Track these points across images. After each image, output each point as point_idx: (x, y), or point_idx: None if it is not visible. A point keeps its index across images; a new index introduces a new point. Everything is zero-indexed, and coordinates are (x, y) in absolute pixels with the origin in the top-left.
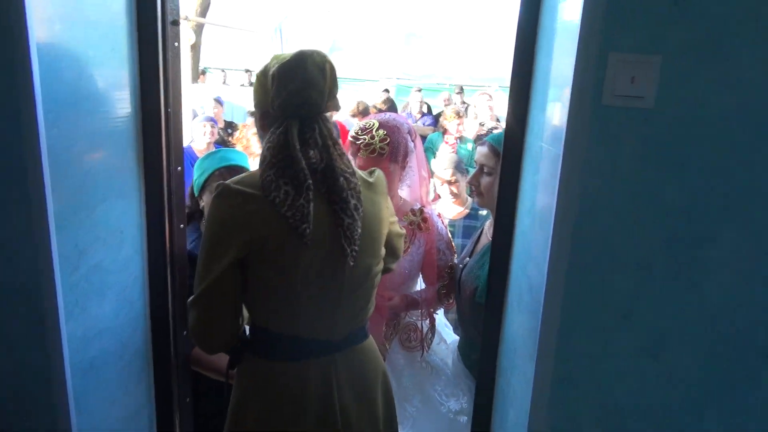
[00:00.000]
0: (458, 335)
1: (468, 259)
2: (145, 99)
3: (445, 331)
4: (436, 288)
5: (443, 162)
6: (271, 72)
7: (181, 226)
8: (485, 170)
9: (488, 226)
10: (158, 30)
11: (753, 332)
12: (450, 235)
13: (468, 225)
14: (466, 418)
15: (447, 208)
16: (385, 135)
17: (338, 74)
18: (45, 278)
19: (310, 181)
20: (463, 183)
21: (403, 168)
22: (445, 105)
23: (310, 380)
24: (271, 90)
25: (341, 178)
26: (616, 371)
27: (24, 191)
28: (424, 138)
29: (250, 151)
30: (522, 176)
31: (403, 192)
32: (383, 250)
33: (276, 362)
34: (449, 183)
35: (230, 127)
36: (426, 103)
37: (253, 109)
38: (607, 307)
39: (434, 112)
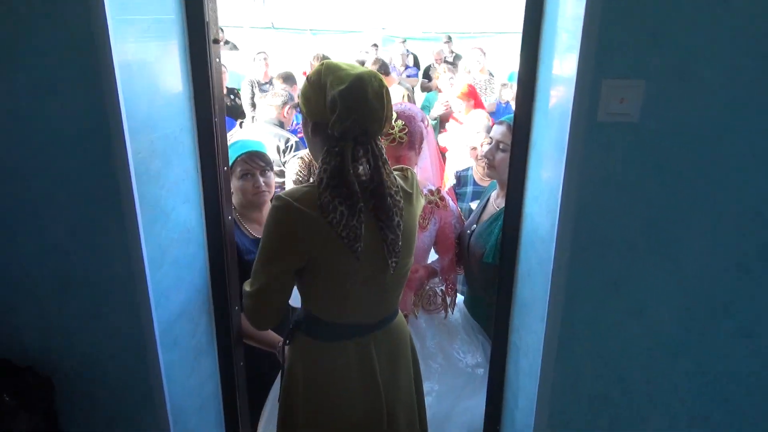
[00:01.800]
0: (464, 294)
1: (475, 225)
2: (199, 112)
3: None
4: (450, 257)
5: (474, 126)
6: (330, 96)
7: (229, 218)
8: (501, 146)
9: (494, 197)
10: (207, 50)
11: (716, 294)
12: (459, 209)
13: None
14: (482, 370)
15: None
16: (403, 125)
17: (324, 27)
18: (138, 275)
19: (362, 204)
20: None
21: (418, 153)
22: (436, 61)
23: (354, 357)
24: (328, 110)
25: (389, 199)
26: (609, 328)
27: (118, 208)
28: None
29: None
30: (528, 167)
31: (417, 172)
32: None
33: (325, 342)
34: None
35: (231, 93)
36: (413, 54)
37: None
38: (602, 278)
39: (422, 64)
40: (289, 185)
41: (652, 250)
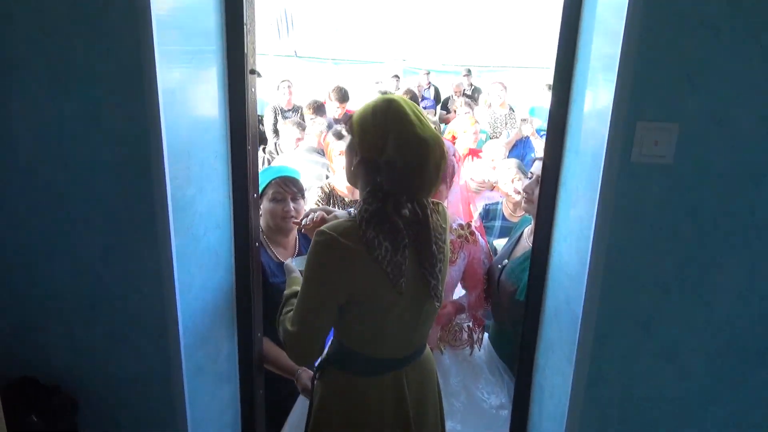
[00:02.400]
0: (489, 329)
1: (507, 261)
2: (234, 140)
3: None
4: (478, 293)
5: (505, 164)
6: (391, 153)
7: (257, 244)
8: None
9: (528, 233)
10: (244, 80)
11: (751, 340)
12: (488, 244)
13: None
14: (506, 412)
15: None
16: None
17: (346, 57)
18: (168, 300)
19: (407, 240)
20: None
21: (449, 187)
22: (455, 93)
23: (386, 391)
24: (384, 161)
25: (433, 246)
26: (639, 371)
27: (152, 232)
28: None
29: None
30: (558, 204)
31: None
32: None
33: (358, 377)
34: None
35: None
36: (435, 86)
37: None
38: (632, 319)
39: (443, 96)
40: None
41: (684, 293)
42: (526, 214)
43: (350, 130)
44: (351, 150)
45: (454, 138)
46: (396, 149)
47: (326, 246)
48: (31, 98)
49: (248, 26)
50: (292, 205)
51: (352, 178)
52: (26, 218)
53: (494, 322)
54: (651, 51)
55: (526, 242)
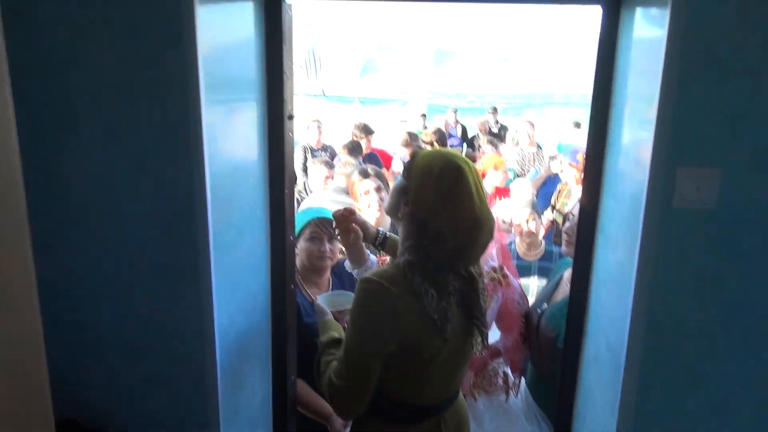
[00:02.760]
0: (525, 376)
1: (546, 305)
2: (273, 184)
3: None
4: (515, 336)
5: (519, 202)
6: (441, 224)
7: (292, 286)
8: None
9: (568, 277)
10: (284, 126)
11: None
12: (522, 286)
13: (542, 266)
14: None
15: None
16: None
17: (372, 95)
18: (208, 345)
19: (452, 286)
20: (540, 224)
21: None
22: (481, 131)
23: None
24: (433, 228)
25: (482, 300)
26: (685, 424)
27: (195, 278)
28: None
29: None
30: (596, 250)
31: None
32: None
33: (401, 428)
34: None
35: None
36: (462, 125)
37: None
38: (678, 369)
39: (469, 134)
40: None
41: (732, 343)
42: (566, 257)
43: (408, 176)
44: (402, 194)
45: (483, 174)
46: (449, 224)
47: (374, 294)
48: (83, 148)
49: (287, 74)
50: (328, 245)
51: (394, 215)
52: (75, 264)
53: (532, 368)
54: (691, 95)
55: (566, 286)
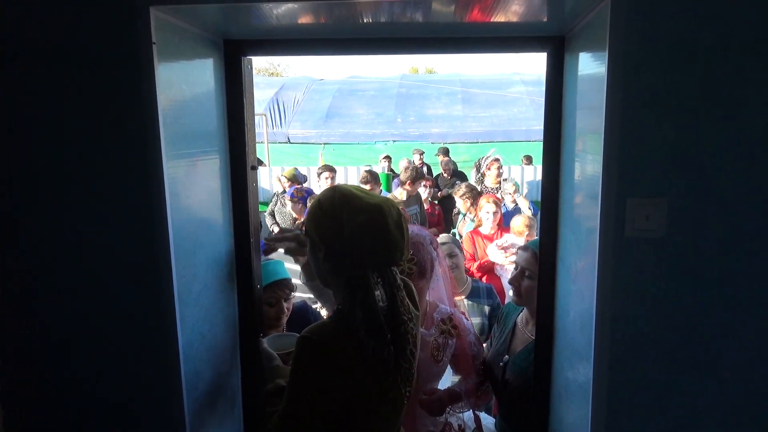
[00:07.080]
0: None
1: (507, 357)
2: (238, 234)
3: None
4: (473, 380)
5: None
6: (350, 229)
7: (261, 336)
8: (526, 273)
9: (523, 323)
10: (246, 177)
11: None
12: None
13: (470, 303)
14: None
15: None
16: (411, 255)
17: (337, 140)
18: (176, 401)
19: (389, 336)
20: (461, 261)
21: (430, 279)
22: (444, 172)
23: None
24: (347, 241)
25: (402, 327)
26: None
27: (161, 331)
28: None
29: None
30: (558, 284)
31: (428, 294)
32: None
33: None
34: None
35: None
36: (427, 164)
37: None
38: (645, 393)
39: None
40: None
41: (693, 366)
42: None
43: (307, 233)
44: (314, 250)
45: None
46: (352, 221)
47: (312, 354)
48: (45, 207)
49: (248, 125)
50: (285, 305)
51: (324, 278)
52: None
53: (500, 418)
54: (634, 129)
55: (524, 333)
